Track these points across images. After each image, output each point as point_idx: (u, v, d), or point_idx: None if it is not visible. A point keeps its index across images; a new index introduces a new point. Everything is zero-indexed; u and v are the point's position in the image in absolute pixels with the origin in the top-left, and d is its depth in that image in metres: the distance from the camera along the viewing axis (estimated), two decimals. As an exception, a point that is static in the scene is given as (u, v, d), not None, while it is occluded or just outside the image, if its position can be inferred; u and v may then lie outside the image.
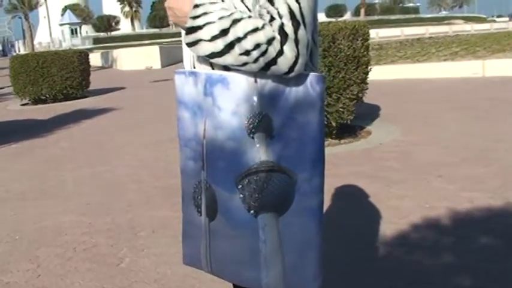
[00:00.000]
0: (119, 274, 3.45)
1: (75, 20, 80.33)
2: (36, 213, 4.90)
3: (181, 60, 1.76)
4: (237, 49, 1.37)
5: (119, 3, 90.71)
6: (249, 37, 1.36)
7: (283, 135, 1.43)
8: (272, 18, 1.36)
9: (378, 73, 12.43)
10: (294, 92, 1.42)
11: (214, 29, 1.39)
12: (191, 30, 1.43)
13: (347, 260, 3.39)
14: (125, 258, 3.71)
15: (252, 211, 1.44)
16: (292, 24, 1.36)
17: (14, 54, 66.34)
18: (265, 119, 1.41)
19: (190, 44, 1.45)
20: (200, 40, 1.42)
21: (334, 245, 3.64)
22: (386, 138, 6.93)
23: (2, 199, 5.52)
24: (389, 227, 3.83)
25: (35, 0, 72.11)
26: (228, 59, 1.39)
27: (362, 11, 32.48)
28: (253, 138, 1.42)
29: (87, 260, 3.74)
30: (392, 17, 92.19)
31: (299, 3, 1.38)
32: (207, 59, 1.45)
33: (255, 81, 1.41)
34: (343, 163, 5.79)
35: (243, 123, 1.42)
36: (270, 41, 1.35)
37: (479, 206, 4.14)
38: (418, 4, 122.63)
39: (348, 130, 7.18)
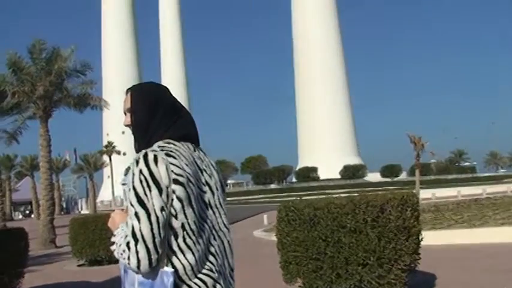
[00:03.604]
0: None
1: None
2: None
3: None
4: (119, 255, 2.21)
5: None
6: (121, 251, 2.19)
7: None
8: (126, 236, 2.18)
9: (434, 238, 12.17)
10: (157, 283, 2.16)
11: (116, 243, 2.26)
12: (112, 243, 2.28)
13: None
14: None
15: None
16: (134, 240, 2.13)
17: (77, 212, 68.23)
18: None
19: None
20: (114, 250, 2.26)
21: None
22: (441, 311, 6.66)
23: None
24: None
25: (101, 161, 75.87)
26: (121, 260, 2.23)
27: (417, 171, 32.51)
28: None
29: None
30: (449, 177, 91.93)
31: (140, 224, 2.14)
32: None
33: (137, 273, 2.19)
34: None
35: None
36: (123, 253, 2.16)
37: None
38: (474, 163, 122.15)
39: (401, 302, 6.95)
